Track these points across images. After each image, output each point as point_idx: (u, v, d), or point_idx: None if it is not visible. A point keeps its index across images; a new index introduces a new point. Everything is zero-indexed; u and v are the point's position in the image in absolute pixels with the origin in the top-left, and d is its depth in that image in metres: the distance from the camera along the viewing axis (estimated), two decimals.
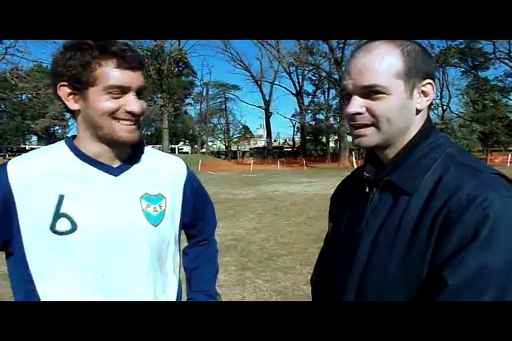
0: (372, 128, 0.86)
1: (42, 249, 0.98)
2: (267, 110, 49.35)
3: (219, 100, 57.35)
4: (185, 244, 1.36)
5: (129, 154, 1.10)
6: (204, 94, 54.65)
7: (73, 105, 1.00)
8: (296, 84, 46.83)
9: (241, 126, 61.62)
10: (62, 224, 0.97)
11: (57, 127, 52.79)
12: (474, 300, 0.70)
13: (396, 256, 0.81)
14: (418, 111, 0.87)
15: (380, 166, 0.93)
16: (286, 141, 62.93)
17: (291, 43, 39.67)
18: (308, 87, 52.01)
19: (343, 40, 32.82)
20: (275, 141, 58.25)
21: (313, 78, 48.13)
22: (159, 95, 39.50)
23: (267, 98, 49.08)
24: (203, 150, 54.01)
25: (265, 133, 53.33)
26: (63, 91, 0.99)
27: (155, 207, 1.10)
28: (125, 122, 0.99)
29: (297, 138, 55.68)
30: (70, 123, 51.67)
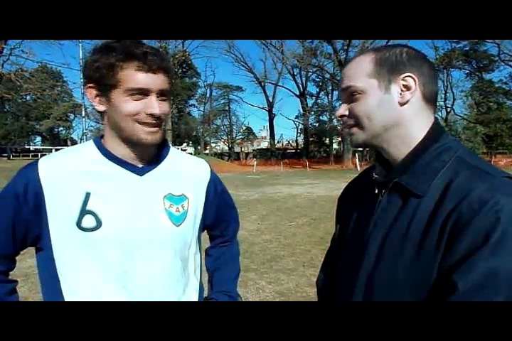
0: (357, 128, 0.91)
1: (68, 245, 1.02)
2: (270, 111, 49.33)
3: (222, 101, 57.49)
4: (207, 245, 1.38)
5: (154, 154, 1.12)
6: (207, 95, 54.81)
7: (99, 107, 1.03)
8: (300, 85, 46.88)
9: (244, 128, 61.69)
10: (88, 221, 1.01)
11: (61, 128, 53.02)
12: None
13: (405, 259, 0.81)
14: (402, 104, 0.88)
15: (389, 167, 0.93)
16: (289, 142, 62.92)
17: (295, 45, 39.77)
18: (312, 89, 52.17)
19: (347, 42, 32.83)
20: (278, 142, 58.31)
21: (317, 80, 48.18)
22: None
23: (271, 99, 49.12)
24: (206, 151, 54.09)
25: (268, 134, 53.31)
26: (90, 92, 1.03)
27: (177, 207, 1.12)
28: (146, 124, 1.01)
29: (300, 140, 55.69)
30: (74, 124, 51.88)
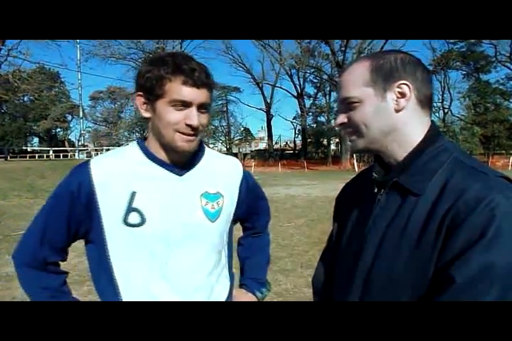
0: (355, 135, 0.95)
1: (118, 239, 1.13)
2: (268, 112, 49.32)
3: (220, 102, 57.39)
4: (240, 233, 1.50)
5: (191, 156, 1.21)
6: None
7: (145, 113, 1.13)
8: (298, 86, 46.91)
9: (242, 129, 61.64)
10: (134, 218, 1.11)
11: (58, 129, 52.94)
12: (479, 297, 0.72)
13: (403, 255, 0.84)
14: (398, 111, 0.91)
15: (387, 167, 0.97)
16: (287, 143, 62.90)
17: (292, 46, 39.80)
18: (310, 90, 52.12)
19: (345, 43, 32.87)
20: (276, 143, 58.24)
21: (315, 81, 48.18)
22: None
23: (269, 100, 49.04)
24: None
25: (266, 135, 53.31)
26: (139, 100, 1.13)
27: (213, 205, 1.22)
28: (184, 133, 1.10)
29: (298, 141, 55.66)
30: (71, 125, 51.80)
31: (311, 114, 48.96)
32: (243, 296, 1.41)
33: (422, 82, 0.91)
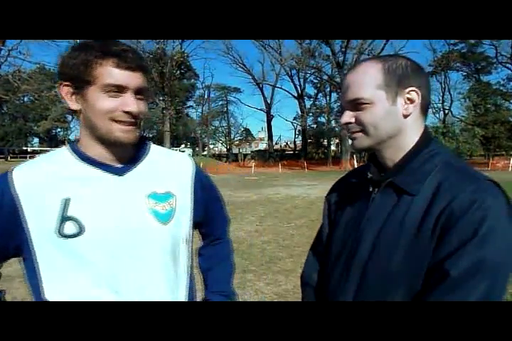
0: (362, 133, 0.97)
1: (51, 253, 0.99)
2: (268, 113, 49.36)
3: (220, 103, 57.54)
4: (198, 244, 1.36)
5: (133, 153, 1.10)
6: (206, 96, 54.87)
7: (74, 105, 1.01)
8: (298, 87, 47.01)
9: (242, 129, 61.76)
10: (69, 227, 0.98)
11: (58, 129, 52.98)
12: (472, 290, 0.79)
13: (399, 252, 0.89)
14: (406, 116, 0.95)
15: (382, 168, 1.01)
16: (287, 143, 62.99)
17: (293, 46, 39.90)
18: (310, 90, 52.19)
19: (345, 44, 32.89)
20: (276, 143, 58.33)
21: (315, 81, 48.24)
22: (161, 98, 39.63)
23: (269, 101, 49.12)
24: (205, 152, 54.09)
25: (266, 136, 53.34)
26: (65, 90, 1.00)
27: (163, 206, 1.09)
28: (122, 122, 0.99)
29: (298, 141, 55.76)
30: (71, 126, 51.85)
31: (311, 114, 49.04)
32: None
33: (426, 89, 0.96)
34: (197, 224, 1.24)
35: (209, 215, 1.28)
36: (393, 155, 0.98)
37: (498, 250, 0.80)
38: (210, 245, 1.35)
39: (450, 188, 0.87)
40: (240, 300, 3.85)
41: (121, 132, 0.99)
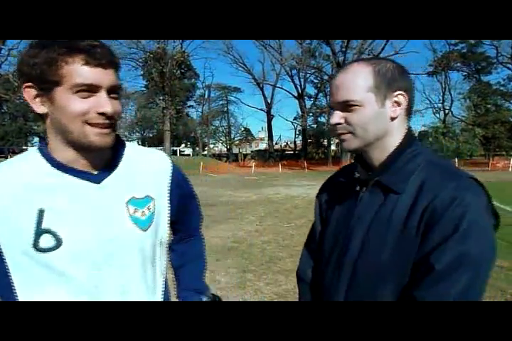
0: (351, 134, 1.00)
1: (28, 269, 0.92)
2: (268, 113, 49.33)
3: (221, 102, 57.53)
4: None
5: (109, 158, 1.02)
6: (206, 96, 54.83)
7: (40, 108, 0.91)
8: (298, 87, 46.96)
9: (242, 129, 61.74)
10: (46, 241, 0.91)
11: None
12: (456, 282, 0.83)
13: (387, 248, 0.94)
14: (393, 119, 0.99)
15: (368, 168, 1.05)
16: (287, 143, 62.96)
17: (293, 46, 39.90)
18: (310, 90, 52.20)
19: (346, 44, 32.87)
20: (277, 143, 58.30)
21: (316, 81, 48.27)
22: (161, 97, 39.63)
23: (269, 101, 49.08)
24: (205, 152, 54.07)
25: (267, 135, 53.30)
26: (28, 92, 0.91)
27: (143, 211, 1.04)
28: (97, 125, 0.90)
29: (299, 141, 55.72)
30: None
31: (311, 114, 49.04)
32: None
33: (412, 93, 1.00)
34: (171, 222, 1.19)
35: (183, 212, 1.23)
36: (379, 155, 1.02)
37: (479, 244, 0.84)
38: (182, 241, 1.31)
39: (432, 186, 0.91)
40: (240, 300, 3.85)
41: (97, 136, 0.91)
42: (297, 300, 1.26)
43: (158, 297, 1.11)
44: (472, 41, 38.81)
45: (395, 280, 0.92)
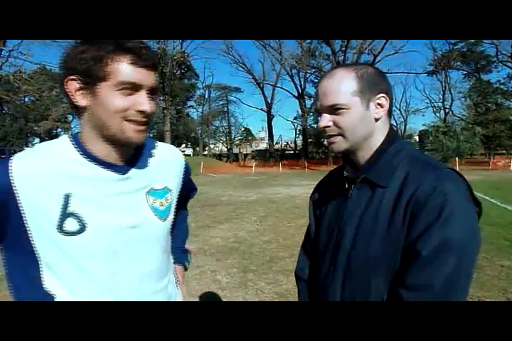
0: (340, 137, 1.07)
1: (51, 249, 0.96)
2: (268, 112, 49.35)
3: (221, 103, 57.55)
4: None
5: (133, 152, 1.08)
6: (206, 96, 54.86)
7: (81, 101, 0.95)
8: (298, 86, 46.95)
9: (243, 129, 61.75)
10: (71, 224, 0.95)
11: (59, 129, 52.96)
12: (441, 266, 0.89)
13: (377, 238, 1.00)
14: (377, 120, 1.07)
15: (355, 166, 1.12)
16: (288, 143, 62.92)
17: (293, 46, 39.88)
18: (311, 90, 52.01)
19: (345, 44, 32.87)
20: (277, 143, 58.26)
21: (316, 81, 48.14)
22: (161, 98, 39.61)
23: (269, 100, 49.14)
24: (205, 152, 54.10)
25: (267, 135, 53.31)
26: (71, 85, 0.94)
27: (162, 202, 1.10)
28: (135, 122, 0.96)
29: (299, 141, 55.69)
30: (72, 126, 51.85)
31: (311, 114, 48.92)
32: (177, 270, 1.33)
33: (391, 94, 1.07)
34: None
35: (185, 200, 1.39)
36: (365, 154, 1.09)
37: (461, 229, 0.91)
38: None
39: (415, 178, 0.98)
40: (241, 299, 3.85)
41: (134, 132, 0.96)
42: (298, 300, 1.26)
43: (170, 287, 1.17)
44: (472, 40, 38.75)
45: (387, 269, 0.98)
